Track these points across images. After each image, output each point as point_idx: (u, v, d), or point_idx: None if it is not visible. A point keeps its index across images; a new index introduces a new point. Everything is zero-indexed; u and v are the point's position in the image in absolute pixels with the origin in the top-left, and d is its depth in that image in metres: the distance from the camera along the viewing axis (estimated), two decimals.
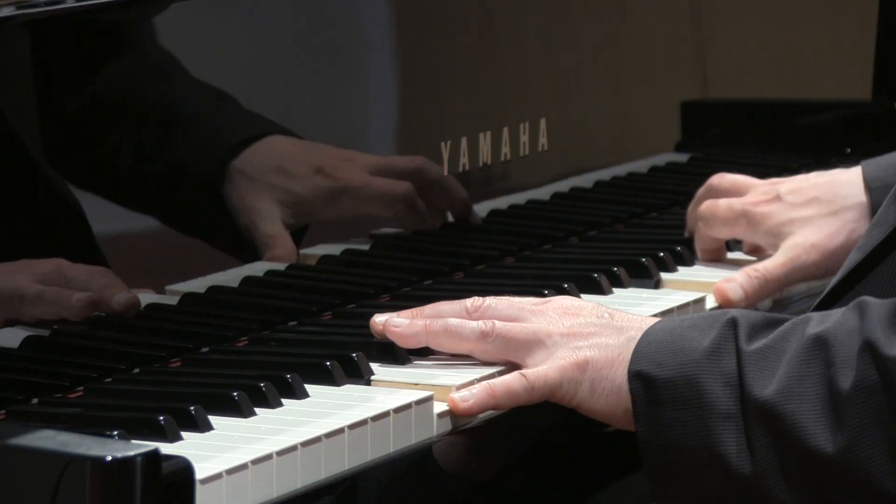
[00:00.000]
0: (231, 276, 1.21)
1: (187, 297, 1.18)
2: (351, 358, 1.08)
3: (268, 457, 0.89)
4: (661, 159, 1.69)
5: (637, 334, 1.04)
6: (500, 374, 1.06)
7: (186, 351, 1.13)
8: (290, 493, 0.90)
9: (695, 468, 1.00)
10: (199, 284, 1.19)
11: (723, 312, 1.04)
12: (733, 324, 1.01)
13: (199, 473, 0.82)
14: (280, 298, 1.24)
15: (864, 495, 0.98)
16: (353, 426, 0.96)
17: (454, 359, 1.11)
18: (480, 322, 1.08)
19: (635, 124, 1.68)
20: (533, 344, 1.06)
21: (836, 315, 1.00)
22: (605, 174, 1.61)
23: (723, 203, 1.37)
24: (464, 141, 1.39)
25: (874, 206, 1.33)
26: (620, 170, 1.63)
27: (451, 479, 1.14)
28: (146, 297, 1.14)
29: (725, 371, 0.99)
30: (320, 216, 1.29)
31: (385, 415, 0.98)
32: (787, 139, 1.85)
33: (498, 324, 1.07)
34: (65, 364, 1.07)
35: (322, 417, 0.97)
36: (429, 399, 1.03)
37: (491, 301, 1.10)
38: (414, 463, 1.07)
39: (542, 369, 1.04)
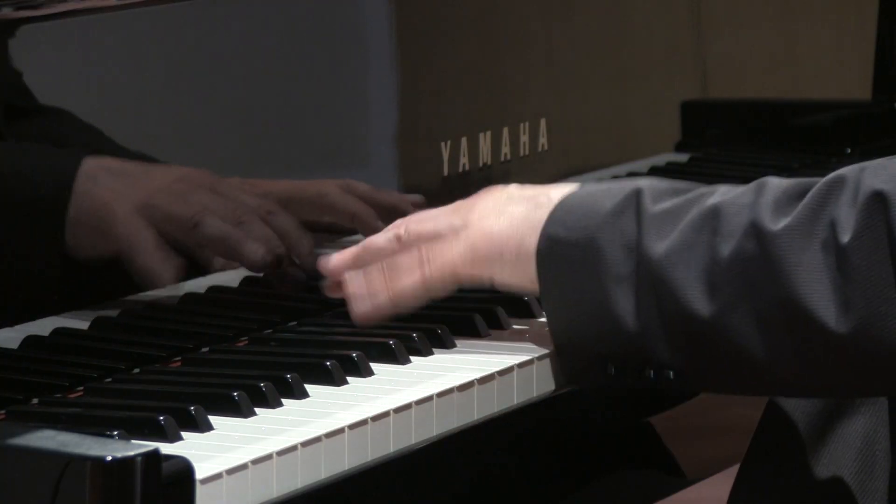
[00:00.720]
0: (231, 277, 1.21)
1: (187, 297, 1.18)
2: (351, 358, 1.08)
3: (268, 457, 0.89)
4: (661, 159, 1.69)
5: (546, 200, 1.08)
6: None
7: (186, 351, 1.13)
8: (290, 493, 0.90)
9: (590, 327, 1.04)
10: (199, 284, 1.19)
11: (634, 179, 1.07)
12: (638, 191, 1.04)
13: (199, 473, 0.82)
14: (280, 298, 1.24)
15: (737, 360, 1.01)
16: (353, 426, 0.95)
17: (454, 360, 1.11)
18: (391, 230, 1.11)
19: (635, 124, 1.68)
20: (446, 230, 1.09)
21: (738, 189, 1.03)
22: (605, 174, 1.61)
23: None
24: (464, 141, 1.40)
25: None
26: (620, 170, 1.63)
27: (450, 478, 1.14)
28: (146, 297, 1.14)
29: (624, 232, 1.03)
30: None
31: (385, 415, 0.98)
32: (787, 139, 1.85)
33: (410, 223, 1.11)
34: (65, 364, 1.07)
35: (322, 417, 0.97)
36: (429, 399, 1.03)
37: (408, 216, 1.14)
38: (414, 463, 1.07)
39: (443, 242, 1.08)
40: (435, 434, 1.03)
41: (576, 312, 1.05)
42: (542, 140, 1.48)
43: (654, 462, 1.33)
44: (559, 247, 1.05)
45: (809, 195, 0.99)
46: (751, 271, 0.99)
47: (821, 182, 1.00)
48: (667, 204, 1.03)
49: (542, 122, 1.48)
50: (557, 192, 1.09)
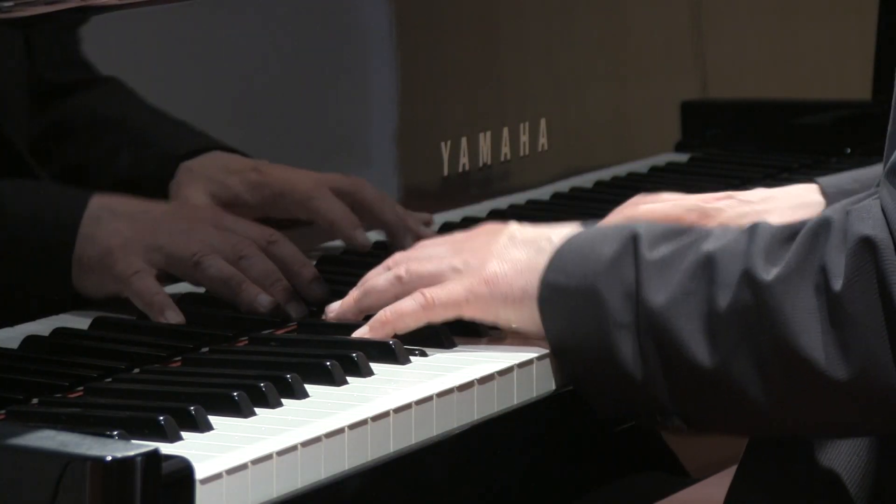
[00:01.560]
0: None
1: (187, 297, 1.18)
2: (351, 358, 1.08)
3: (268, 457, 0.88)
4: (661, 159, 1.70)
5: (547, 245, 1.09)
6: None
7: (186, 351, 1.14)
8: (290, 493, 0.90)
9: (597, 374, 1.07)
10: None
11: (629, 223, 1.08)
12: (634, 236, 1.05)
13: (199, 473, 0.82)
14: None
15: (739, 407, 1.03)
16: (352, 426, 0.96)
17: (454, 360, 1.11)
18: (393, 269, 1.13)
19: (635, 124, 1.68)
20: (448, 272, 1.10)
21: (731, 234, 1.05)
22: (605, 174, 1.61)
23: (667, 199, 1.36)
24: (464, 141, 1.40)
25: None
26: (620, 170, 1.63)
27: (451, 478, 1.14)
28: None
29: (624, 280, 1.04)
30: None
31: (385, 415, 0.98)
32: (787, 139, 1.85)
33: (410, 264, 1.12)
34: (65, 364, 1.07)
35: (322, 417, 0.97)
36: (429, 399, 1.03)
37: (407, 252, 1.15)
38: (414, 463, 1.07)
39: (444, 286, 1.09)
40: (435, 434, 1.03)
41: (581, 359, 1.07)
42: (542, 140, 1.48)
43: (659, 462, 1.33)
44: (560, 294, 1.06)
45: (798, 240, 1.00)
46: (748, 320, 1.00)
47: (807, 226, 1.01)
48: (663, 250, 1.04)
49: (542, 122, 1.48)
50: (557, 236, 1.10)
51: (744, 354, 1.00)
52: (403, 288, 1.11)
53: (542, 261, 1.08)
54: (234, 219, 1.19)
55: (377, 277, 1.14)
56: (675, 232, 1.07)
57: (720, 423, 1.08)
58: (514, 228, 1.13)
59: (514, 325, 1.11)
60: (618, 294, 1.04)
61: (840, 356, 0.98)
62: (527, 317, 1.09)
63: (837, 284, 0.97)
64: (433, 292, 1.09)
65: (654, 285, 1.03)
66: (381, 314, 1.11)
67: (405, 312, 1.10)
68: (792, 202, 1.40)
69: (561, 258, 1.07)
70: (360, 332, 1.12)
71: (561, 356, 1.08)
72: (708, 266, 1.02)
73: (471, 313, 1.10)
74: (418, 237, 1.30)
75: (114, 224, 1.11)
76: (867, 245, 0.97)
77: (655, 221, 1.25)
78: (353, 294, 1.15)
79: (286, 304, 1.18)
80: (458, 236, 1.17)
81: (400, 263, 1.13)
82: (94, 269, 1.10)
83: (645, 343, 1.03)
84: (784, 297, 0.98)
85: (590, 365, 1.07)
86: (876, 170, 1.43)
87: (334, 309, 1.16)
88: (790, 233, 1.01)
